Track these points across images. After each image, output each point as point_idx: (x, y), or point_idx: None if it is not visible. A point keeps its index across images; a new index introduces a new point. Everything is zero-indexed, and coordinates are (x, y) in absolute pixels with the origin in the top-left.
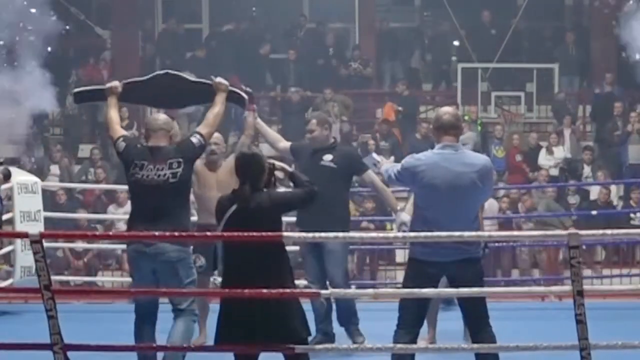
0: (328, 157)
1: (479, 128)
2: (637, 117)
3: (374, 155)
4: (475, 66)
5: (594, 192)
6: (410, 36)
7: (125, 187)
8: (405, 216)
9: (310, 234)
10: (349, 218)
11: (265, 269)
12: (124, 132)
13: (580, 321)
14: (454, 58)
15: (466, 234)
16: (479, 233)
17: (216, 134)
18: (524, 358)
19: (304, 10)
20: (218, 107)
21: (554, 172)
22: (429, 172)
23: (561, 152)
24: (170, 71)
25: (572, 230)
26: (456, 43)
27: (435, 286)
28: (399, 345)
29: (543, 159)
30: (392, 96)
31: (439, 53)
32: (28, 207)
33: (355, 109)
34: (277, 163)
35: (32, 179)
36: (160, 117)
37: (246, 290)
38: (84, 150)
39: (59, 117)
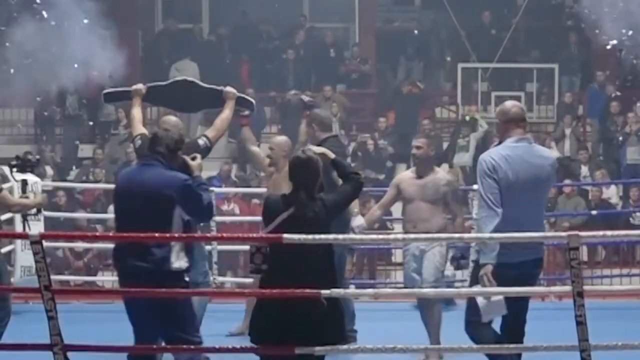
0: None
1: (482, 127)
2: (634, 118)
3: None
4: (475, 66)
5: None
6: (410, 36)
7: None
8: (360, 219)
9: (310, 236)
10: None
11: (316, 272)
12: (142, 131)
13: (581, 322)
14: (454, 58)
15: (467, 236)
16: (479, 235)
17: (278, 139)
18: (524, 358)
19: (304, 10)
20: (226, 112)
21: None
22: (513, 166)
23: (554, 152)
24: (187, 78)
25: (572, 232)
26: (456, 43)
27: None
28: (399, 346)
29: None
30: (392, 96)
31: (439, 53)
32: None
33: (355, 109)
34: (318, 148)
35: (32, 178)
36: (171, 119)
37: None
38: (84, 150)
39: (59, 117)
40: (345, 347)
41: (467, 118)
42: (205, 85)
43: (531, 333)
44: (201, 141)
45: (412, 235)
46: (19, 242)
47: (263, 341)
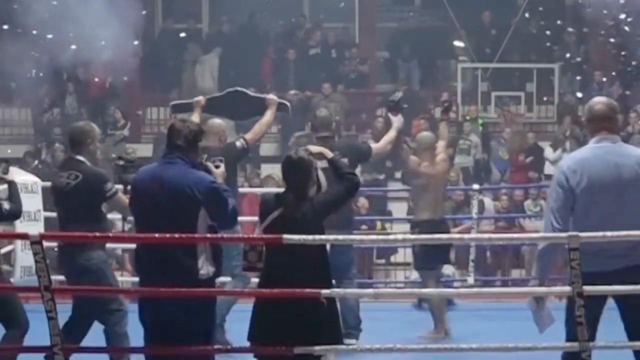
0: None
1: (481, 128)
2: (636, 118)
3: None
4: (475, 66)
5: None
6: (410, 36)
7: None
8: None
9: (310, 237)
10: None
11: (308, 272)
12: None
13: (580, 323)
14: (454, 58)
15: (467, 236)
16: (479, 236)
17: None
18: (524, 358)
19: (304, 10)
20: (267, 117)
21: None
22: (590, 169)
23: (558, 153)
24: (238, 88)
25: (572, 233)
26: (456, 43)
27: (604, 303)
28: (398, 345)
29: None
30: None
31: (439, 53)
32: (28, 207)
33: (355, 109)
34: (315, 148)
35: (32, 178)
36: (215, 121)
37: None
38: None
39: (59, 117)
40: (344, 346)
41: (468, 118)
42: (253, 94)
43: (530, 333)
44: (238, 143)
45: (412, 236)
46: (19, 242)
47: (260, 340)
